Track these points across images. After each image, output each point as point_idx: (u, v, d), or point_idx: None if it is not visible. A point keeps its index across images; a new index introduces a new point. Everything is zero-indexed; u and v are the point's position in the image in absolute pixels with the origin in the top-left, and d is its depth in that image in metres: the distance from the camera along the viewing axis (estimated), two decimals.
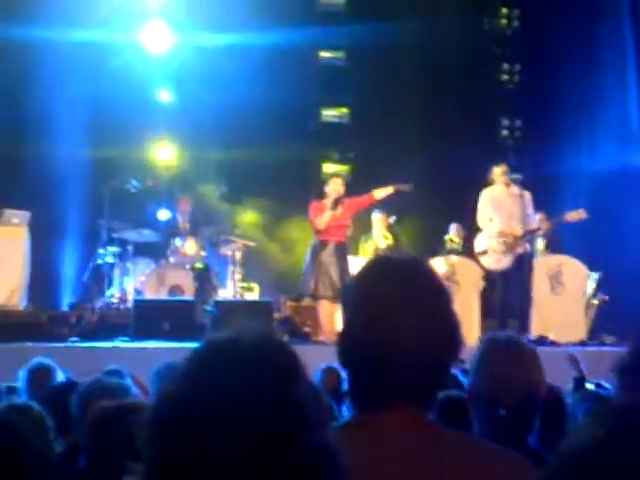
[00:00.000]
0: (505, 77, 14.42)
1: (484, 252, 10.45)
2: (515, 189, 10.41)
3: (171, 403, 1.23)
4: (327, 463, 1.22)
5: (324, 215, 9.98)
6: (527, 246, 10.45)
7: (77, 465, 3.38)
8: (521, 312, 10.26)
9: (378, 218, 11.68)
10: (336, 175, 11.07)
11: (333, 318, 9.94)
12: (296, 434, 1.20)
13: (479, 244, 10.56)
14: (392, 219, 11.84)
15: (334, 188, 10.16)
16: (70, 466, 3.43)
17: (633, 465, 0.98)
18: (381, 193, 10.34)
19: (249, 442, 1.17)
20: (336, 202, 10.04)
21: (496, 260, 10.30)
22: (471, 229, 11.83)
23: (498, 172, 10.48)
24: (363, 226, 11.92)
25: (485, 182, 10.66)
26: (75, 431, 3.70)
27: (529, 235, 10.49)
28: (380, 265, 1.85)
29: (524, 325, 10.29)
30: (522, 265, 10.26)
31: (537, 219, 10.87)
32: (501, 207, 10.34)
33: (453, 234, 12.02)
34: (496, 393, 2.65)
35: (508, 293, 10.25)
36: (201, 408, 1.20)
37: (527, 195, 10.41)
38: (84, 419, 3.46)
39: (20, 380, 5.13)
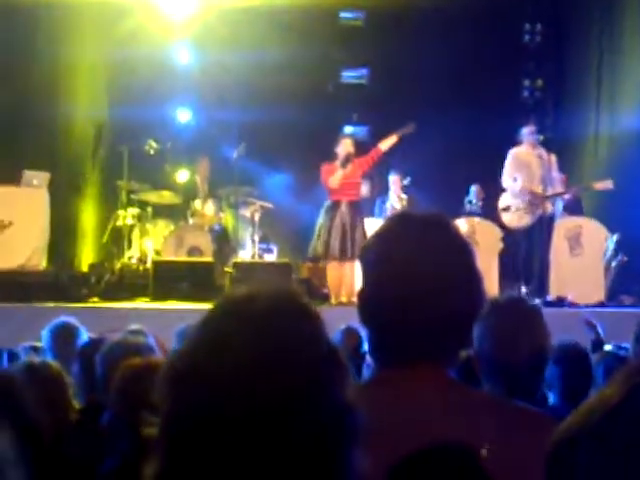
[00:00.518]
0: (527, 37, 14.27)
1: (506, 209, 10.59)
2: (541, 151, 10.53)
3: (183, 359, 1.24)
4: (344, 421, 1.22)
5: (336, 174, 10.10)
6: (550, 207, 10.53)
7: (100, 422, 3.42)
8: (540, 272, 10.34)
9: (393, 180, 11.82)
10: (345, 136, 11.08)
11: (344, 278, 10.01)
12: (310, 393, 1.20)
13: (502, 201, 10.72)
14: (406, 180, 11.90)
15: (343, 148, 10.27)
16: (91, 422, 3.47)
17: None
18: (386, 144, 10.48)
19: (260, 401, 1.17)
20: (346, 160, 10.13)
21: (518, 218, 10.48)
22: (491, 190, 11.83)
23: (525, 132, 10.71)
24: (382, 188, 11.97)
25: (514, 142, 10.79)
26: (98, 389, 3.73)
27: (553, 197, 10.60)
28: (400, 222, 1.83)
29: (542, 285, 10.35)
30: (543, 225, 10.36)
31: (561, 181, 10.98)
32: (525, 167, 10.49)
33: (473, 195, 12.03)
34: (500, 352, 2.68)
35: (528, 252, 10.41)
36: (212, 365, 1.19)
37: (552, 158, 10.57)
38: (108, 377, 3.49)
39: (44, 339, 5.17)
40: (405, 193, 11.89)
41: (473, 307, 1.75)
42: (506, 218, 10.64)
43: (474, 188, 12.07)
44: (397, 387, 1.68)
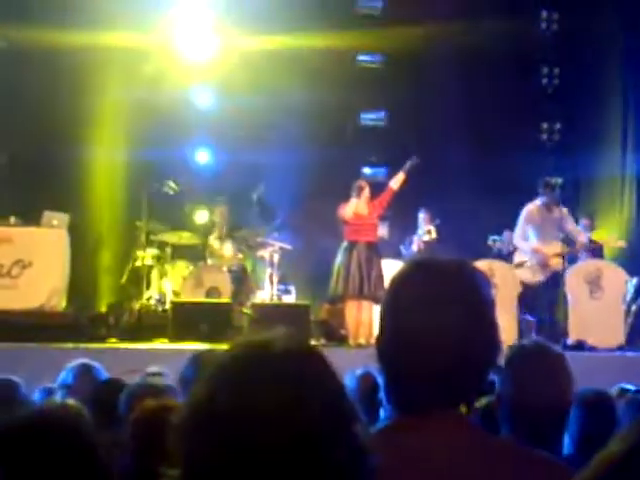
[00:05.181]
0: (544, 80, 14.31)
1: (520, 264, 10.77)
2: (555, 208, 10.55)
3: (202, 403, 1.24)
4: (357, 463, 1.22)
5: (349, 205, 10.20)
6: (560, 264, 10.57)
7: (119, 464, 3.40)
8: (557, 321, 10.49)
9: (423, 217, 11.97)
10: (360, 179, 11.20)
11: (362, 319, 10.03)
12: (319, 439, 1.20)
13: (517, 257, 10.93)
14: (437, 221, 12.03)
15: (358, 184, 10.52)
16: (113, 465, 3.46)
17: None
18: (396, 182, 10.70)
19: (278, 443, 1.18)
20: (359, 190, 10.34)
21: (532, 274, 10.67)
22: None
23: (541, 190, 10.77)
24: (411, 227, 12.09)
25: (534, 187, 10.89)
26: (121, 429, 3.73)
27: (567, 254, 10.68)
28: (419, 269, 1.83)
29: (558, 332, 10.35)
30: (555, 281, 10.41)
31: (581, 228, 11.13)
32: (537, 224, 10.54)
33: (505, 240, 12.06)
34: (521, 398, 2.65)
35: (548, 303, 10.53)
36: (231, 408, 1.20)
37: (564, 211, 10.64)
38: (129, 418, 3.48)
39: (65, 379, 5.16)
40: (435, 229, 12.08)
41: (490, 355, 1.75)
42: (521, 274, 10.77)
43: (507, 233, 12.06)
44: (413, 433, 1.67)
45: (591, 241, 11.26)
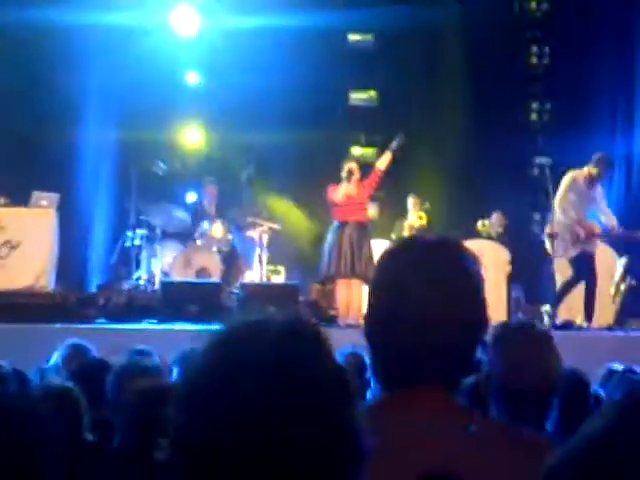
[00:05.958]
0: (534, 60, 14.30)
1: (553, 235, 10.17)
2: (597, 185, 10.23)
3: (199, 381, 1.24)
4: (354, 444, 1.23)
5: (339, 189, 10.16)
6: (594, 245, 10.29)
7: (111, 443, 3.42)
8: (586, 301, 10.16)
9: (412, 202, 11.91)
10: (349, 160, 11.15)
11: (352, 299, 10.05)
12: (321, 413, 1.20)
13: (550, 227, 10.31)
14: (426, 205, 12.00)
15: (347, 167, 10.41)
16: (103, 444, 3.47)
17: (637, 457, 0.96)
18: (383, 162, 10.63)
19: (274, 423, 1.18)
20: (349, 175, 10.28)
21: (563, 249, 10.11)
22: (510, 217, 11.89)
23: (596, 158, 10.29)
24: (401, 211, 12.04)
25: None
26: (109, 410, 3.74)
27: (599, 237, 10.35)
28: (408, 246, 1.84)
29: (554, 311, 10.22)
30: (584, 260, 10.16)
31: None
32: (580, 195, 10.15)
33: (494, 222, 12.02)
34: (509, 378, 2.66)
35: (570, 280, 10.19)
36: (227, 386, 1.20)
37: (601, 191, 10.33)
38: (119, 398, 3.49)
39: (57, 359, 5.17)
40: (425, 214, 12.01)
41: (477, 333, 1.75)
42: (550, 246, 10.23)
43: (495, 215, 12.06)
44: (400, 411, 1.67)
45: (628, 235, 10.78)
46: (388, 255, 1.82)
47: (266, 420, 1.17)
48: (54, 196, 10.71)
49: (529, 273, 11.72)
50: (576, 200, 10.15)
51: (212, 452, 1.19)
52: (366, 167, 10.85)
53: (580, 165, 10.43)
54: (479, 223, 12.05)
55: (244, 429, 1.17)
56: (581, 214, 10.16)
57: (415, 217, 11.98)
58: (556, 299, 10.25)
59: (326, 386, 1.22)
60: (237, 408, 1.18)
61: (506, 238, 11.81)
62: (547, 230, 10.36)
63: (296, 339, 1.25)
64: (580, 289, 10.39)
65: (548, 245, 10.28)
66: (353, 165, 10.51)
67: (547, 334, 2.87)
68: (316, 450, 1.19)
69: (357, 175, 10.42)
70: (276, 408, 1.18)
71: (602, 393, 4.16)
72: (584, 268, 10.16)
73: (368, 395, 4.70)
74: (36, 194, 10.63)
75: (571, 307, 10.45)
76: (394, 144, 10.57)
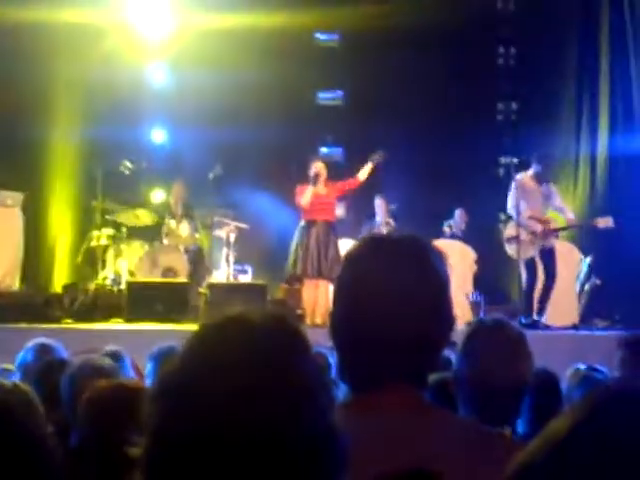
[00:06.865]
0: (500, 60, 14.37)
1: (511, 240, 10.28)
2: (544, 183, 10.28)
3: (175, 378, 1.23)
4: (332, 442, 1.22)
5: (306, 192, 10.16)
6: (552, 240, 10.33)
7: (68, 443, 3.39)
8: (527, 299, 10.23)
9: (379, 203, 11.90)
10: (316, 159, 11.16)
11: (318, 300, 10.06)
12: (304, 412, 1.20)
13: (508, 231, 10.42)
14: (393, 206, 11.98)
15: (314, 170, 10.41)
16: (60, 444, 3.44)
17: (605, 454, 0.97)
18: (363, 173, 10.64)
19: (252, 421, 1.17)
20: (315, 177, 10.23)
21: (523, 250, 10.13)
22: (469, 212, 11.94)
23: (535, 159, 10.41)
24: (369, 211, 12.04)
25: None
26: (64, 410, 3.71)
27: (557, 231, 10.40)
28: (371, 244, 1.82)
29: (526, 309, 10.24)
30: (543, 257, 10.22)
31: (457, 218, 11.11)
32: (530, 195, 10.22)
33: (457, 219, 12.08)
34: (481, 377, 2.65)
35: (527, 282, 10.23)
36: (205, 384, 1.19)
37: (553, 187, 10.39)
38: (74, 398, 3.47)
39: (24, 358, 5.12)
40: (391, 217, 11.95)
41: (443, 331, 1.74)
42: (511, 249, 10.31)
43: (458, 212, 12.12)
44: (367, 412, 1.67)
45: (585, 224, 10.86)
46: (353, 254, 1.81)
47: (249, 417, 1.17)
48: (19, 195, 10.64)
49: (493, 274, 11.79)
50: (527, 199, 10.22)
51: (194, 450, 1.18)
52: (333, 166, 10.86)
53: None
54: (445, 225, 12.10)
55: (226, 427, 1.17)
56: (535, 211, 10.22)
57: (382, 222, 11.91)
58: (526, 299, 10.30)
59: (309, 382, 1.22)
60: (219, 407, 1.17)
61: (469, 234, 11.85)
62: (505, 235, 10.43)
63: (279, 335, 1.25)
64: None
65: (508, 249, 10.36)
66: (320, 166, 10.52)
67: (520, 333, 2.86)
68: (302, 449, 1.18)
69: (324, 175, 10.44)
70: (260, 405, 1.17)
71: (569, 392, 4.18)
72: (547, 263, 10.23)
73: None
74: (1, 193, 10.55)
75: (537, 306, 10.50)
76: (375, 157, 10.58)
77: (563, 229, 10.61)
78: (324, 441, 1.21)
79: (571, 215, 10.51)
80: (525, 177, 10.30)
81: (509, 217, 10.47)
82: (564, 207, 10.52)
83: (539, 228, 10.14)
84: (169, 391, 1.23)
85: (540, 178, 10.24)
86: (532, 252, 10.17)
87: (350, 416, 1.58)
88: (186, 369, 1.23)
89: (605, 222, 10.34)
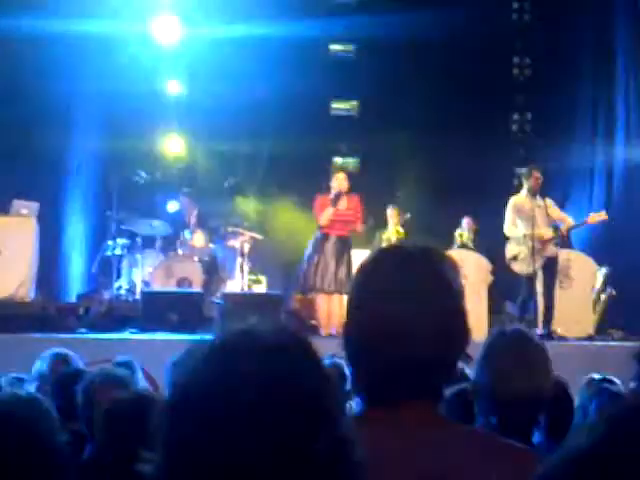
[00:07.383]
0: (516, 71, 14.37)
1: (514, 258, 10.33)
2: (538, 197, 10.30)
3: (189, 390, 1.23)
4: (348, 453, 1.22)
5: (325, 212, 10.09)
6: (553, 250, 10.32)
7: (83, 455, 3.39)
8: (544, 311, 10.22)
9: (391, 214, 11.85)
10: (339, 170, 11.10)
11: (333, 310, 10.02)
12: (315, 424, 1.20)
13: (509, 251, 10.45)
14: (407, 216, 11.93)
15: (337, 184, 10.27)
16: (75, 455, 3.44)
17: (626, 471, 0.96)
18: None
19: (265, 432, 1.17)
20: (337, 197, 10.13)
21: (526, 266, 10.19)
22: (483, 222, 11.89)
23: (527, 177, 10.45)
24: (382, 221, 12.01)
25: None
26: (80, 420, 3.71)
27: (554, 239, 10.38)
28: (390, 254, 1.82)
29: (541, 322, 10.23)
30: (548, 268, 10.23)
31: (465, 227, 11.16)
32: (525, 214, 10.23)
33: (464, 228, 12.05)
34: (501, 387, 2.64)
35: (535, 295, 10.27)
36: (220, 396, 1.19)
37: (548, 201, 10.38)
38: (89, 409, 3.46)
39: (40, 368, 5.12)
40: (403, 228, 11.93)
41: (459, 344, 1.73)
42: (515, 267, 10.36)
43: (465, 220, 12.09)
44: (383, 426, 1.66)
45: (578, 224, 10.85)
46: (367, 266, 1.79)
47: (259, 432, 1.16)
48: (34, 205, 10.67)
49: (506, 286, 11.76)
50: (523, 218, 10.27)
51: (204, 464, 1.17)
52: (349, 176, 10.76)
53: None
54: (456, 233, 12.05)
55: (237, 440, 1.16)
56: (530, 228, 10.20)
57: (393, 231, 11.89)
58: (539, 311, 10.29)
59: (319, 397, 1.22)
60: (230, 420, 1.17)
61: (482, 245, 11.80)
62: (507, 255, 10.43)
63: (289, 351, 1.24)
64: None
65: (513, 266, 10.36)
66: (341, 178, 10.30)
67: (540, 344, 2.84)
68: (310, 460, 1.18)
69: (346, 188, 10.26)
70: (269, 420, 1.17)
71: (583, 403, 4.16)
72: (548, 273, 10.27)
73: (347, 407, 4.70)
74: (16, 202, 10.57)
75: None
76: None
77: (555, 238, 10.54)
78: (339, 453, 1.21)
79: (570, 220, 10.50)
80: (518, 199, 10.37)
81: (507, 238, 10.49)
82: (560, 216, 10.49)
83: (537, 244, 10.15)
84: (181, 403, 1.22)
85: (534, 193, 10.25)
86: (537, 265, 10.18)
87: (366, 429, 1.57)
88: (199, 382, 1.22)
89: (599, 217, 10.35)
